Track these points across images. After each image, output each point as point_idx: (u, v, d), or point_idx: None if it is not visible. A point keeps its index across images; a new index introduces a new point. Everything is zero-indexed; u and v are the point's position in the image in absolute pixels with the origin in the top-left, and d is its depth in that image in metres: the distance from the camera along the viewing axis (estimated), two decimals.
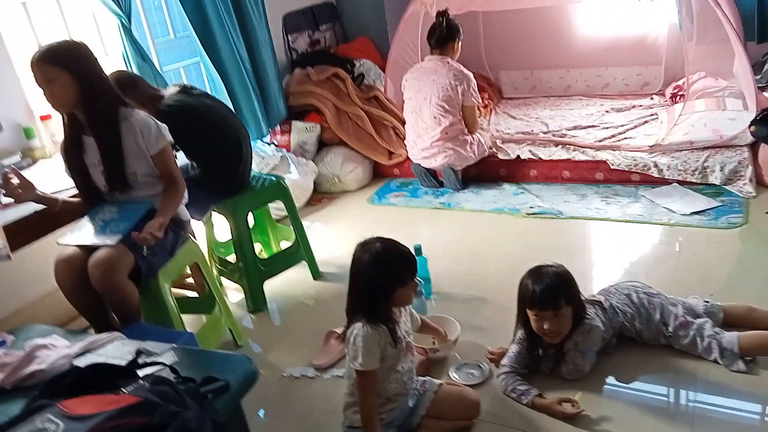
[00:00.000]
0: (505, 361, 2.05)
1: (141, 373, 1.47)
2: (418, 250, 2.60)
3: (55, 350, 1.61)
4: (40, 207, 2.08)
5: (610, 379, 2.01)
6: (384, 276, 1.74)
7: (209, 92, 3.06)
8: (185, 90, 2.56)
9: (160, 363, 1.50)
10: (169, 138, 2.13)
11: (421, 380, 1.95)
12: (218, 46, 3.38)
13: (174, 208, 2.10)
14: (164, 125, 2.14)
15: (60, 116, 2.10)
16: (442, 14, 3.59)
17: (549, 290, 1.88)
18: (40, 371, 1.52)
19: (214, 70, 3.36)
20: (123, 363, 1.51)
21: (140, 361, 1.52)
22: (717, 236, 2.85)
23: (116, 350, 1.64)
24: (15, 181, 1.99)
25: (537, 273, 1.95)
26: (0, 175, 2.02)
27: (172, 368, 1.47)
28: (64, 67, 1.94)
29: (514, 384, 1.96)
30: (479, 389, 2.05)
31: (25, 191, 2.02)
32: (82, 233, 2.02)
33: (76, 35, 3.05)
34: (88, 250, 1.94)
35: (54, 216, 2.14)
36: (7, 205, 2.15)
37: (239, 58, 3.49)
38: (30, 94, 2.73)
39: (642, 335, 2.08)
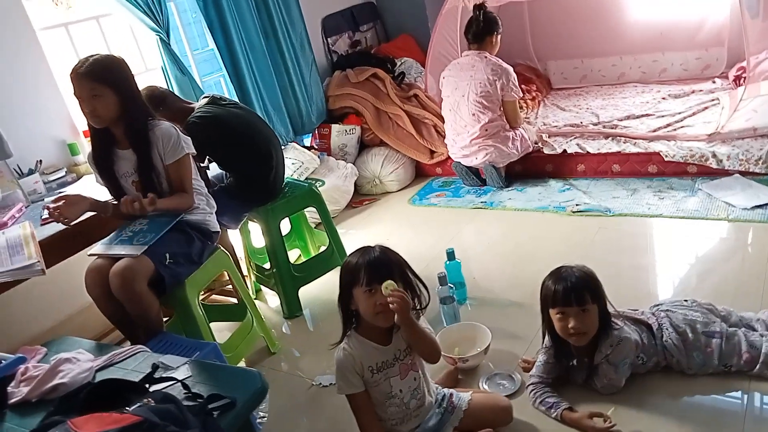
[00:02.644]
0: (533, 371, 1.95)
1: (154, 388, 1.49)
2: (451, 254, 2.53)
3: (78, 364, 1.65)
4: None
5: (648, 394, 1.86)
6: (343, 276, 1.67)
7: (239, 102, 3.09)
8: (214, 101, 2.59)
9: (172, 378, 1.51)
10: (191, 150, 2.15)
11: (447, 394, 1.86)
12: (243, 58, 3.42)
13: (171, 204, 2.08)
14: (187, 137, 2.16)
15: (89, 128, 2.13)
16: (479, 7, 3.47)
17: (573, 285, 1.77)
18: (63, 384, 1.56)
19: (239, 81, 3.44)
20: (140, 377, 1.54)
21: (156, 375, 1.55)
22: None
23: (137, 363, 1.68)
24: (60, 203, 1.99)
25: (558, 272, 1.84)
26: (44, 209, 2.03)
27: (184, 384, 1.48)
28: (109, 84, 1.98)
29: (543, 396, 1.86)
30: (511, 400, 1.95)
31: (74, 207, 2.02)
32: (110, 244, 2.07)
33: (117, 52, 3.16)
34: (116, 261, 1.99)
35: (103, 222, 2.19)
36: (45, 221, 2.24)
37: (271, 66, 3.53)
38: (74, 111, 2.85)
39: (696, 375, 1.88)
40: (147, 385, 1.49)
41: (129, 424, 1.21)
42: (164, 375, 1.54)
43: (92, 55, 2.01)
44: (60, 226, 2.14)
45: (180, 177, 2.15)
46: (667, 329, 1.90)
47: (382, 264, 1.63)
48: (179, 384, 1.48)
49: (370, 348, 1.70)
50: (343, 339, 1.73)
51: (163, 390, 1.46)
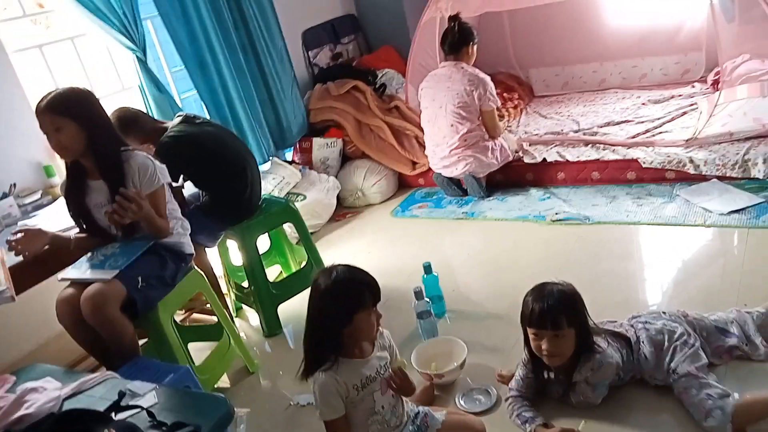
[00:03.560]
0: (512, 384, 1.95)
1: (119, 416, 1.48)
2: (428, 268, 2.53)
3: (44, 393, 1.63)
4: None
5: (625, 409, 1.85)
6: (336, 303, 1.61)
7: (212, 119, 3.09)
8: (188, 120, 2.59)
9: (138, 406, 1.50)
10: (166, 179, 2.14)
11: (421, 412, 1.84)
12: (217, 74, 3.41)
13: (152, 219, 2.06)
14: (163, 166, 2.15)
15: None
16: (454, 18, 3.49)
17: (550, 307, 1.75)
18: (27, 415, 1.55)
19: (225, 95, 3.42)
20: (107, 405, 1.53)
21: (123, 403, 1.54)
22: (758, 237, 2.61)
23: (105, 391, 1.67)
24: (19, 236, 1.99)
25: (540, 290, 1.82)
26: (6, 243, 2.03)
27: (149, 412, 1.47)
28: (71, 116, 1.97)
29: (520, 410, 1.86)
30: (486, 415, 1.95)
31: (33, 241, 2.02)
32: (81, 268, 2.06)
33: (93, 72, 3.16)
34: (86, 287, 1.97)
35: (67, 254, 2.16)
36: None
37: (250, 81, 3.52)
38: None
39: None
40: (113, 414, 1.49)
41: None
42: (130, 403, 1.53)
43: (55, 90, 2.01)
44: None
45: (156, 206, 2.12)
46: (642, 342, 1.89)
47: (374, 283, 1.65)
48: (144, 412, 1.48)
49: (354, 366, 1.68)
50: (319, 369, 1.68)
51: (127, 419, 1.45)
